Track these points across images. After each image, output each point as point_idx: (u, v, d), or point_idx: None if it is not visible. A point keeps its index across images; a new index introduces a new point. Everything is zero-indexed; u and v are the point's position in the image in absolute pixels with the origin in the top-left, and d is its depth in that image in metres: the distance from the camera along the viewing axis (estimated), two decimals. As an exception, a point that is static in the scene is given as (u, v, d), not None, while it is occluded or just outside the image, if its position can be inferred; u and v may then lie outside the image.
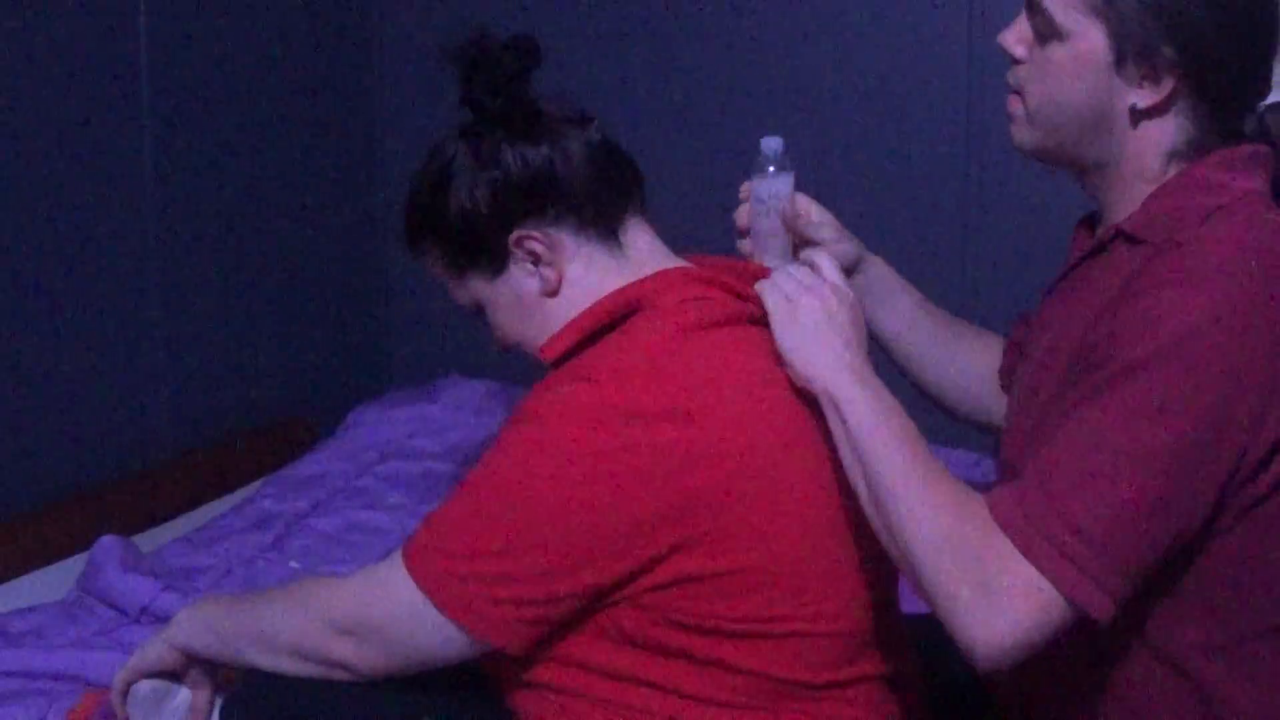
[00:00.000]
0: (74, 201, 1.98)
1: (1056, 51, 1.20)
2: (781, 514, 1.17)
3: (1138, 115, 1.19)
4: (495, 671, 1.26)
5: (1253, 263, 1.10)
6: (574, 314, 1.26)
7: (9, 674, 1.55)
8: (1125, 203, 1.22)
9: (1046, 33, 1.20)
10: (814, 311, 1.21)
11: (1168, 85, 1.17)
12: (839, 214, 1.58)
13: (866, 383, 1.18)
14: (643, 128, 2.20)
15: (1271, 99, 1.22)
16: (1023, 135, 1.26)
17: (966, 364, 1.51)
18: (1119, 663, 1.18)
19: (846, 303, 1.24)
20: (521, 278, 1.29)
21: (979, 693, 1.32)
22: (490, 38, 1.26)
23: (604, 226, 1.29)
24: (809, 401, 1.20)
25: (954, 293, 2.13)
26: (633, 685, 1.20)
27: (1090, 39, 1.18)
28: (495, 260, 1.29)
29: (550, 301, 1.28)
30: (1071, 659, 1.20)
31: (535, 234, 1.27)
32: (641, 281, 1.26)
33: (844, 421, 1.16)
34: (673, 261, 1.31)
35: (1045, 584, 1.07)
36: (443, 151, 1.30)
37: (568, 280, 1.28)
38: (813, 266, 1.29)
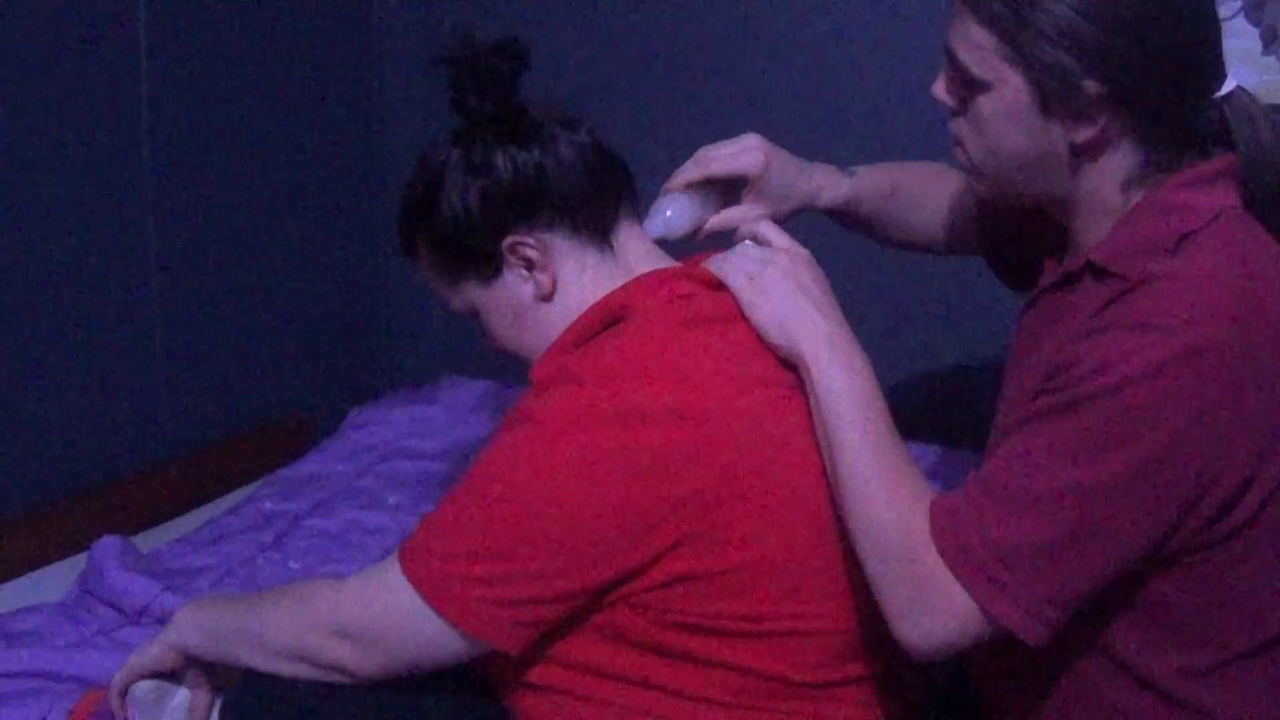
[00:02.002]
0: (73, 201, 1.98)
1: (984, 103, 1.16)
2: (776, 512, 1.17)
3: (1080, 151, 1.15)
4: (493, 672, 1.27)
5: (1221, 309, 1.06)
6: (568, 319, 1.26)
7: (9, 674, 1.55)
8: (1093, 232, 1.19)
9: (969, 84, 1.16)
10: (781, 282, 1.22)
11: (1101, 118, 1.13)
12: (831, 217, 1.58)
13: (840, 353, 1.19)
14: (632, 128, 2.20)
15: (1227, 87, 1.16)
16: (976, 185, 1.25)
17: (921, 216, 1.56)
18: (1105, 692, 1.18)
19: (806, 263, 1.25)
20: (515, 283, 1.28)
21: (973, 698, 1.32)
22: (478, 41, 1.25)
23: (596, 229, 1.28)
24: (801, 396, 1.21)
25: (953, 289, 2.13)
26: (630, 685, 1.21)
27: (1011, 86, 1.13)
28: (488, 266, 1.28)
29: (544, 306, 1.28)
30: (1059, 689, 1.20)
31: (528, 239, 1.26)
32: (627, 285, 1.26)
33: (814, 389, 1.18)
34: (665, 263, 1.31)
35: (971, 604, 1.09)
36: (434, 156, 1.29)
37: (561, 284, 1.28)
38: (758, 239, 1.30)
